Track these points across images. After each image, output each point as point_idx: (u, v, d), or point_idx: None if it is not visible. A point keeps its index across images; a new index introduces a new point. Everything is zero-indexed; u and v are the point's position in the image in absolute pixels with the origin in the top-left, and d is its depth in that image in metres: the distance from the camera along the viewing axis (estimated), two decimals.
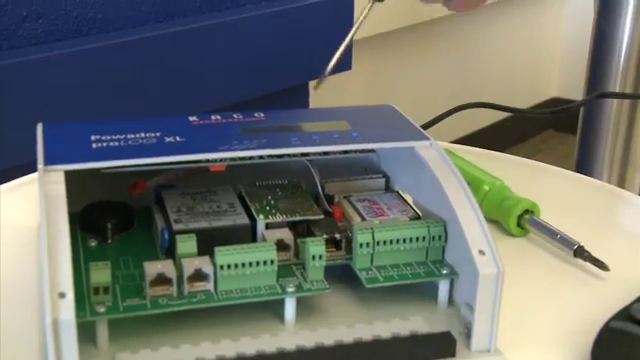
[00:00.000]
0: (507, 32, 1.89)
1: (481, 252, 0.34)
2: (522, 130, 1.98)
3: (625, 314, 0.34)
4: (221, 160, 0.37)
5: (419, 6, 1.57)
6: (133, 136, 0.38)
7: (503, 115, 1.93)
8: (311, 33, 1.01)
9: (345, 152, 0.40)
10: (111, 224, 0.38)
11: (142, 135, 0.38)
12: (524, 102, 1.98)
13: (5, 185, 0.48)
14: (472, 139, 1.79)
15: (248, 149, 0.37)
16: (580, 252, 0.42)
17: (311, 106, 1.06)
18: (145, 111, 0.79)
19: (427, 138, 0.39)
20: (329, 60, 1.04)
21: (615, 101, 0.87)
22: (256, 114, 0.42)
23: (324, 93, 1.18)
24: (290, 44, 0.98)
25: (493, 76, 1.88)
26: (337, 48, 0.32)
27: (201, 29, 0.86)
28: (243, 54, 0.91)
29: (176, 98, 0.85)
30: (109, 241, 0.38)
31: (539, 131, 2.03)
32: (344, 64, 1.08)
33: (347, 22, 1.06)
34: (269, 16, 0.94)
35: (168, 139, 0.38)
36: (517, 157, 0.54)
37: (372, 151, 0.40)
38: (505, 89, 1.92)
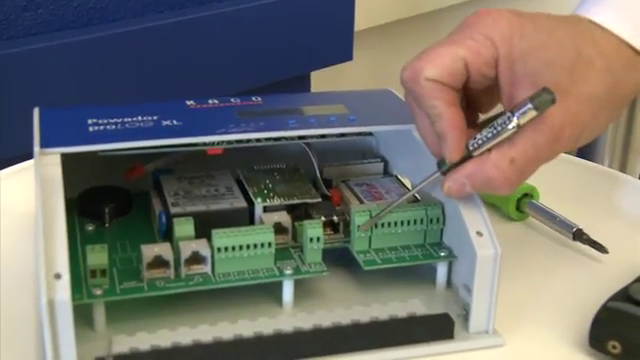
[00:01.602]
0: None
1: (479, 233, 0.34)
2: None
3: (623, 295, 0.34)
4: (218, 143, 0.37)
5: None
6: (130, 120, 0.38)
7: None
8: (312, 23, 1.01)
9: (342, 135, 0.39)
10: (109, 208, 0.38)
11: (139, 119, 0.38)
12: None
13: (5, 170, 0.48)
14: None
15: (245, 132, 0.37)
16: (579, 235, 0.42)
17: None
18: (145, 101, 0.79)
19: None
20: (330, 54, 1.03)
21: None
22: (254, 98, 0.42)
23: (325, 84, 1.18)
24: (291, 34, 0.98)
25: None
26: (384, 209, 0.33)
27: (201, 19, 0.85)
28: (243, 44, 0.91)
29: (177, 89, 0.84)
30: (107, 225, 0.38)
31: None
32: (345, 54, 1.08)
33: (347, 11, 1.05)
34: (270, 6, 0.94)
35: (165, 122, 0.38)
36: None
37: (369, 134, 0.40)
38: None
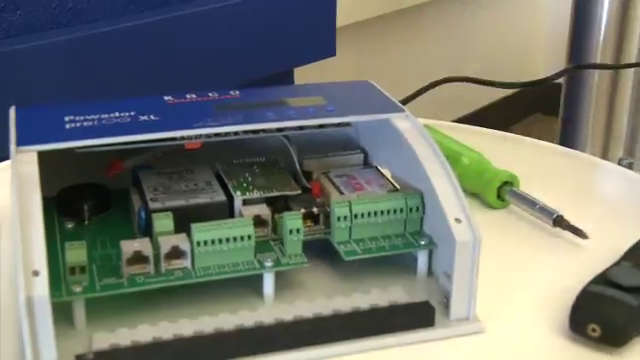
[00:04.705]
0: (493, 15, 1.88)
1: (457, 220, 0.34)
2: (508, 114, 1.98)
3: (603, 278, 0.34)
4: (196, 137, 0.37)
5: None
6: (107, 116, 0.37)
7: (488, 100, 1.93)
8: (294, 19, 1.01)
9: (321, 126, 0.39)
10: (87, 206, 0.38)
11: (116, 115, 0.38)
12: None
13: None
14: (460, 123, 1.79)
15: (223, 125, 0.37)
16: (559, 221, 0.42)
17: None
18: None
19: (402, 110, 0.39)
20: (312, 50, 1.03)
21: (595, 75, 0.87)
22: (232, 92, 0.42)
23: (308, 80, 1.18)
24: (273, 31, 0.98)
25: (480, 60, 1.88)
26: None
27: (182, 18, 0.85)
28: (225, 43, 0.91)
29: (158, 89, 0.84)
30: (86, 223, 0.38)
31: (526, 115, 2.03)
32: (328, 50, 1.09)
33: (329, 7, 1.05)
34: (250, 3, 0.94)
35: (142, 118, 0.37)
36: (496, 130, 0.54)
37: (348, 124, 0.40)
38: (492, 72, 1.92)
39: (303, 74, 1.07)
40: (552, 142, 0.52)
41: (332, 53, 1.08)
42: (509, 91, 1.96)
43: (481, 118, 1.88)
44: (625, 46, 0.86)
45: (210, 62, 0.89)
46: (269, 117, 0.38)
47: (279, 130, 0.39)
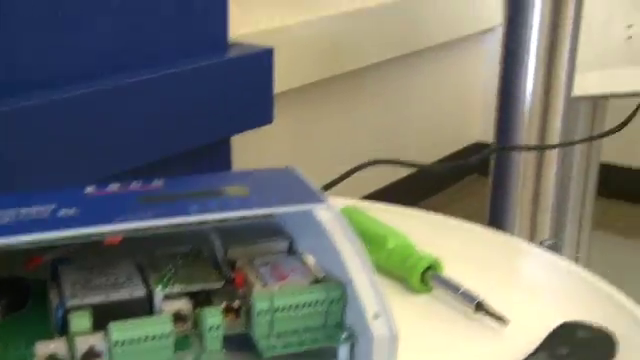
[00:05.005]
0: (431, 79, 1.93)
1: (375, 315, 0.34)
2: (447, 175, 2.02)
3: None
4: (115, 233, 0.37)
5: (343, 56, 1.60)
6: (26, 211, 0.37)
7: (428, 159, 1.96)
8: (230, 89, 1.01)
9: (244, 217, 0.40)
10: (2, 305, 0.37)
11: (35, 209, 0.37)
12: (449, 147, 2.02)
13: None
14: (398, 186, 1.81)
15: (143, 219, 0.37)
16: (480, 307, 0.42)
17: (233, 162, 1.06)
18: (53, 180, 0.77)
19: (324, 201, 0.40)
20: (249, 117, 1.04)
21: (521, 153, 0.90)
22: (155, 181, 0.42)
23: (246, 148, 1.18)
24: (208, 99, 0.98)
25: (420, 122, 1.92)
26: None
27: (114, 90, 0.85)
28: (160, 113, 0.91)
29: (88, 163, 0.83)
30: (0, 321, 0.37)
31: (464, 175, 2.07)
32: (265, 117, 1.09)
33: (266, 73, 1.06)
34: (185, 73, 0.94)
35: (62, 212, 0.37)
36: (423, 212, 0.55)
37: (270, 215, 0.40)
38: (431, 135, 1.96)
39: (241, 142, 1.08)
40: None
41: (269, 120, 1.09)
42: (446, 152, 2.00)
43: (417, 180, 1.90)
44: (549, 126, 0.89)
45: (144, 134, 0.89)
46: (192, 209, 0.38)
47: (201, 223, 0.39)
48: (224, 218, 0.39)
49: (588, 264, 1.69)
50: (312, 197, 0.40)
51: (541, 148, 0.86)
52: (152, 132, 0.89)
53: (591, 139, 0.98)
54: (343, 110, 1.70)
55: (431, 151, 1.98)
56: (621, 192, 1.99)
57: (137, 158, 0.90)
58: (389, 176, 1.81)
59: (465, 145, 2.09)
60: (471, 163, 0.54)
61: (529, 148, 0.85)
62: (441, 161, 2.01)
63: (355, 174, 0.57)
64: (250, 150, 1.39)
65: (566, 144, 0.89)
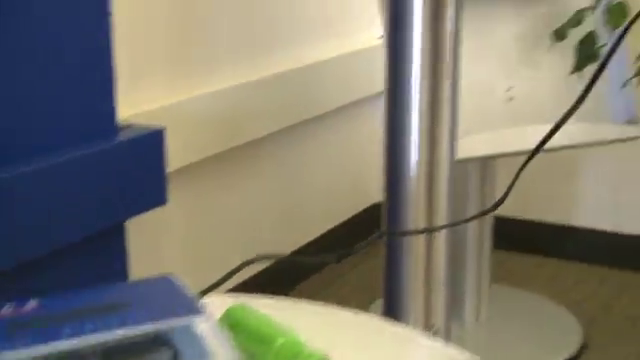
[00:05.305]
0: (329, 143, 1.96)
1: None
2: (352, 236, 2.04)
3: None
4: None
5: (240, 128, 1.61)
6: None
7: (321, 231, 1.97)
8: (121, 172, 1.00)
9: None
10: None
11: None
12: (350, 210, 2.05)
13: None
14: (286, 264, 1.80)
15: (16, 349, 0.36)
16: None
17: (131, 247, 1.04)
18: None
19: (202, 312, 0.40)
20: (141, 199, 1.02)
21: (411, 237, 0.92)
22: (31, 302, 0.41)
23: (141, 231, 1.16)
24: (99, 187, 0.97)
25: (319, 187, 1.94)
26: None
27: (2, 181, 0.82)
28: (48, 203, 0.89)
29: None
30: None
31: (367, 236, 2.09)
32: (159, 198, 1.08)
33: (158, 156, 1.05)
34: (74, 162, 0.92)
35: None
36: (311, 305, 0.55)
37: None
38: (332, 198, 1.98)
39: (135, 225, 1.06)
40: None
41: (163, 202, 1.07)
42: (347, 216, 2.02)
43: (321, 244, 1.91)
44: (435, 195, 0.92)
45: (35, 223, 0.86)
46: (66, 334, 0.37)
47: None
48: (103, 340, 0.38)
49: (489, 316, 1.72)
50: (191, 309, 0.40)
51: (429, 230, 0.88)
52: (39, 227, 0.87)
53: (469, 220, 1.01)
54: (242, 181, 1.71)
55: (334, 214, 2.00)
56: (515, 244, 2.06)
57: (25, 253, 0.88)
58: (292, 242, 1.82)
59: (366, 206, 2.12)
60: (357, 251, 0.55)
61: (417, 232, 0.88)
62: (344, 225, 2.03)
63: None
64: (144, 234, 1.37)
65: (454, 224, 0.92)
